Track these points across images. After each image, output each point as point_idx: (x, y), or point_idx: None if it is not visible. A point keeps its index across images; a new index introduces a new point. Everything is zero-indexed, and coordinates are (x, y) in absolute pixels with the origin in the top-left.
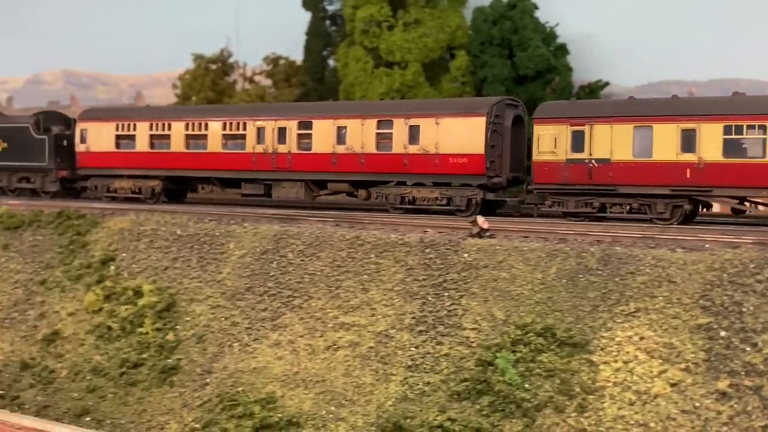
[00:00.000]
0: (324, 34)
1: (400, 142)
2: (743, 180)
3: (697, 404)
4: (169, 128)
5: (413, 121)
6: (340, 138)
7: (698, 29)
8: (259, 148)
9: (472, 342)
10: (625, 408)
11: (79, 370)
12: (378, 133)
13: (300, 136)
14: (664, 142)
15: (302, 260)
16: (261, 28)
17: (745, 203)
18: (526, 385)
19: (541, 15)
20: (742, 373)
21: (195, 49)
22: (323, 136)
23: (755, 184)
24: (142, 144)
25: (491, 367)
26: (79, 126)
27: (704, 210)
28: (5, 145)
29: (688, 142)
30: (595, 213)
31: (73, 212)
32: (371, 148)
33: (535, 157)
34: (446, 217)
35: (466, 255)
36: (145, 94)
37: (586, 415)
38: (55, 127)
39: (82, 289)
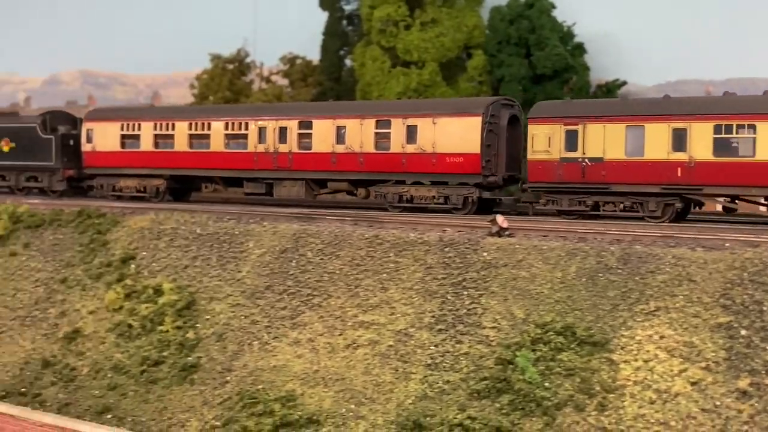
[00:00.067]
0: (341, 33)
1: (398, 142)
2: (733, 179)
3: (718, 403)
4: (173, 128)
5: (411, 121)
6: (340, 137)
7: (716, 28)
8: (261, 148)
9: (492, 341)
10: (646, 407)
11: (100, 368)
12: (376, 133)
13: (300, 135)
14: (656, 142)
15: (321, 259)
16: (278, 27)
17: (736, 202)
18: (546, 384)
19: (559, 14)
20: (763, 371)
21: (212, 49)
22: (323, 135)
23: (745, 182)
24: (146, 144)
25: (511, 366)
26: (85, 126)
27: (696, 208)
28: (13, 144)
29: (679, 141)
30: (588, 211)
31: (93, 211)
32: (370, 147)
33: (529, 156)
34: (465, 217)
35: (485, 254)
36: (163, 94)
37: (606, 413)
38: (62, 126)
39: (103, 288)
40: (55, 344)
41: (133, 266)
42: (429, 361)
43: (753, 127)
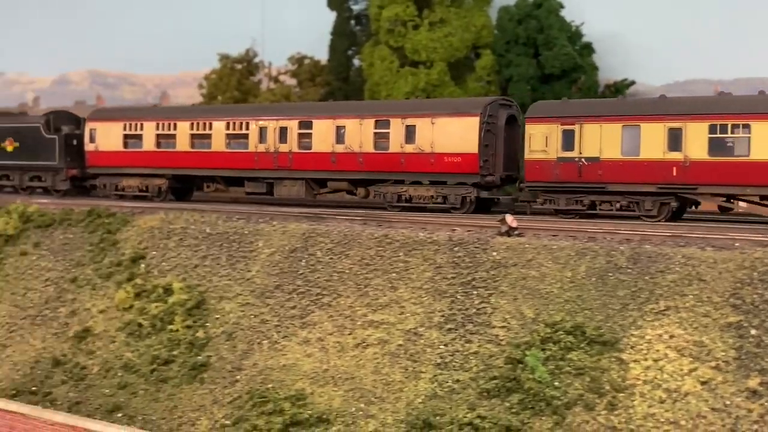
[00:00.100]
0: (349, 33)
1: (396, 142)
2: (728, 178)
3: (728, 402)
4: (175, 128)
5: (409, 121)
6: (339, 137)
7: (725, 28)
8: (261, 148)
9: (502, 340)
10: (656, 406)
11: (111, 367)
12: (376, 133)
13: (300, 135)
14: (652, 141)
15: (331, 258)
16: (286, 28)
17: (732, 201)
18: (556, 383)
19: (567, 14)
20: None
21: (220, 49)
22: (323, 135)
23: (740, 182)
24: (148, 143)
25: (521, 365)
26: (88, 126)
27: (692, 207)
28: (17, 144)
29: (675, 141)
30: (585, 210)
31: (103, 210)
32: (369, 147)
33: (526, 155)
34: (474, 216)
35: (495, 253)
36: (171, 94)
37: (616, 412)
38: (65, 126)
39: (113, 287)
40: (66, 343)
41: (143, 265)
42: (439, 361)
43: (747, 127)
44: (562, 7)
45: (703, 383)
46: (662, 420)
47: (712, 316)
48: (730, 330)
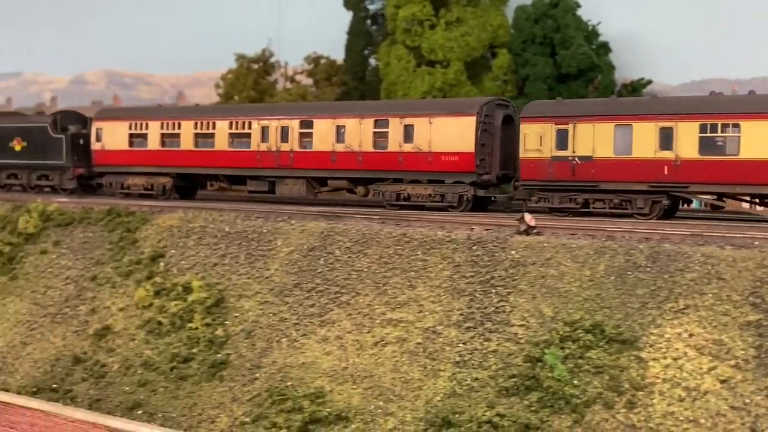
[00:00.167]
0: (365, 33)
1: (395, 141)
2: (718, 177)
3: (747, 401)
4: (179, 127)
5: (408, 121)
6: (340, 137)
7: (742, 27)
8: (263, 147)
9: (521, 338)
10: (675, 404)
11: (130, 365)
12: (375, 132)
13: (301, 135)
14: (643, 140)
15: (349, 257)
16: (302, 27)
17: (724, 200)
18: (575, 381)
19: (584, 13)
20: None
21: (236, 49)
22: (323, 134)
23: (730, 180)
24: (153, 142)
25: (540, 364)
26: (95, 125)
27: (684, 206)
28: (25, 143)
29: (666, 140)
30: (578, 208)
31: (122, 209)
32: (368, 146)
33: (521, 154)
34: (493, 215)
35: (513, 252)
36: (187, 94)
37: (635, 411)
38: (72, 126)
39: (133, 285)
40: (86, 341)
41: (162, 264)
42: (457, 359)
43: (737, 126)
44: (578, 6)
45: (722, 382)
46: (681, 418)
47: (731, 315)
48: (749, 328)
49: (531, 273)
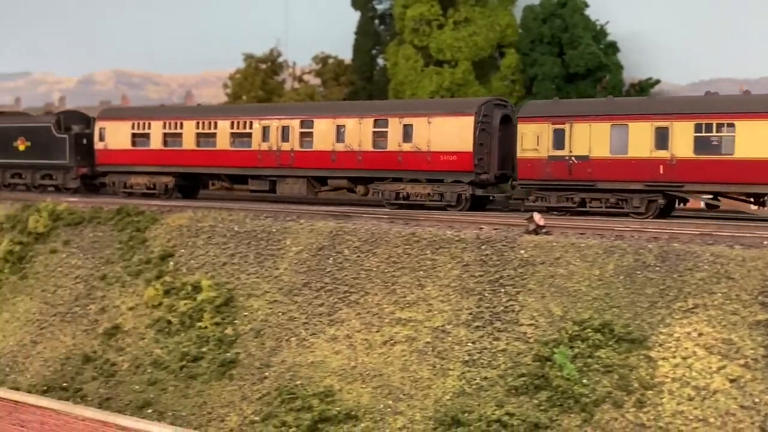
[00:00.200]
0: (373, 33)
1: (394, 140)
2: (713, 176)
3: (757, 400)
4: (181, 127)
5: (407, 120)
6: (340, 136)
7: (751, 26)
8: (264, 146)
9: (530, 338)
10: (684, 403)
11: (140, 363)
12: (374, 132)
13: (302, 134)
14: (639, 140)
15: (358, 256)
16: (310, 27)
17: (719, 199)
18: (584, 381)
19: (592, 13)
20: None
21: (244, 49)
22: (323, 134)
23: (724, 180)
24: (156, 142)
25: (549, 363)
26: (98, 125)
27: (681, 205)
28: (28, 143)
29: (662, 139)
30: (575, 207)
31: (132, 209)
32: (368, 145)
33: (519, 154)
34: (502, 214)
35: (522, 251)
36: (195, 93)
37: (644, 410)
38: (76, 126)
39: (142, 284)
40: (96, 340)
41: (171, 263)
42: (466, 358)
43: (732, 126)
44: (586, 6)
45: (731, 381)
46: (691, 417)
47: (740, 314)
48: (759, 328)
49: (540, 272)
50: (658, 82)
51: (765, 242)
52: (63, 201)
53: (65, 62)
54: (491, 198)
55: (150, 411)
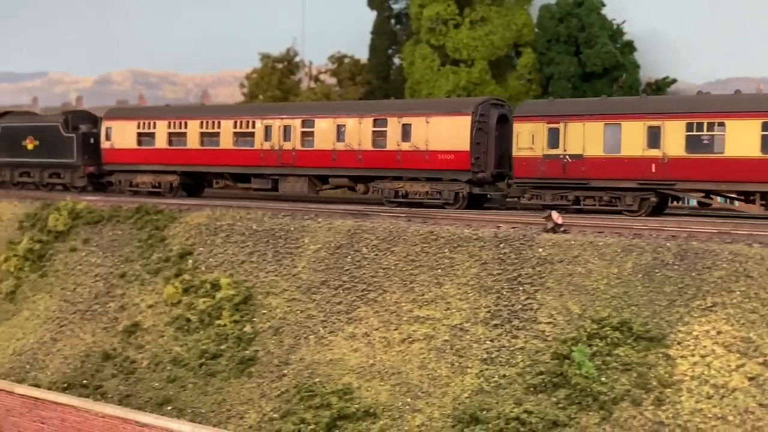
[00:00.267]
0: (389, 32)
1: (394, 140)
2: (704, 174)
3: None
4: (186, 126)
5: (406, 120)
6: (340, 135)
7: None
8: (267, 145)
9: (548, 336)
10: (703, 401)
11: (160, 361)
12: (374, 131)
13: (303, 133)
14: (632, 139)
15: (376, 255)
16: (326, 27)
17: (711, 197)
18: (603, 379)
19: (608, 12)
20: None
21: (260, 49)
22: (324, 134)
23: (716, 178)
24: (161, 141)
25: (567, 361)
26: (105, 124)
27: (674, 203)
28: (37, 142)
29: (654, 138)
30: (570, 205)
31: (151, 207)
32: (368, 145)
33: (514, 153)
34: (520, 213)
35: (540, 250)
36: (211, 93)
37: (663, 408)
38: (83, 125)
39: (161, 282)
40: (115, 337)
41: (190, 261)
42: (485, 356)
43: (723, 125)
44: (603, 5)
45: (750, 379)
46: (710, 415)
47: (759, 313)
48: None
49: (558, 270)
50: (674, 81)
51: None
52: (82, 200)
53: (83, 62)
54: (488, 196)
55: (169, 408)
